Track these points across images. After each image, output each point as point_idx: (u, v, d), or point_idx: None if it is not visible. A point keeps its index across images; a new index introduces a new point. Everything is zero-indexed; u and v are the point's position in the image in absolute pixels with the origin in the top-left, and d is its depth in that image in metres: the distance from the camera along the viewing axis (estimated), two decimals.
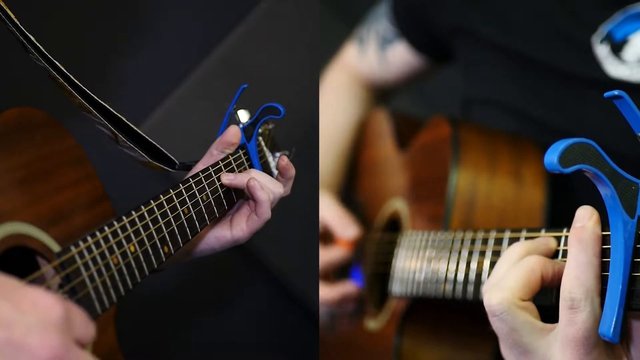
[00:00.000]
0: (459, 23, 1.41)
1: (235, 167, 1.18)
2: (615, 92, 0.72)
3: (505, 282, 0.85)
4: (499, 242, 0.98)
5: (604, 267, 0.79)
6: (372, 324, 1.40)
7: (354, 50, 1.70)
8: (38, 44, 1.02)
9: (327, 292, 1.49)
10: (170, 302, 1.98)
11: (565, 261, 0.82)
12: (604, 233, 0.80)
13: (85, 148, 0.96)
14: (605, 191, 0.76)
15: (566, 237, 0.85)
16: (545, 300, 0.86)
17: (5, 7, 0.99)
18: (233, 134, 1.18)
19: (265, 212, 1.14)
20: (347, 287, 1.49)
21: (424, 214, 1.30)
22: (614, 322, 0.74)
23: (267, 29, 2.01)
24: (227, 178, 1.13)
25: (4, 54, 1.24)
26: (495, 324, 0.86)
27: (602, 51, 1.22)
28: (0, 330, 0.64)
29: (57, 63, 1.04)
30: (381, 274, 1.41)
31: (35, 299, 0.68)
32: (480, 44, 1.38)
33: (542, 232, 0.90)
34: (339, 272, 1.52)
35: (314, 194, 1.63)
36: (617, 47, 1.21)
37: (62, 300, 0.69)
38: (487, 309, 0.86)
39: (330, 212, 1.53)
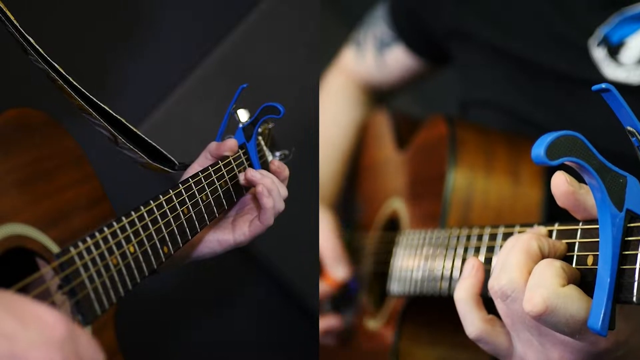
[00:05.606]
0: (455, 25, 1.41)
1: (235, 166, 1.18)
2: (603, 86, 0.72)
3: (507, 263, 0.82)
4: (493, 237, 0.98)
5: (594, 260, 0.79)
6: (372, 323, 1.40)
7: (352, 54, 1.70)
8: (37, 47, 1.02)
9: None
10: (170, 302, 1.98)
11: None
12: (592, 227, 0.79)
13: (84, 148, 0.96)
14: (593, 184, 0.75)
15: (557, 230, 0.85)
16: None
17: (4, 9, 0.99)
18: (228, 148, 1.17)
19: (269, 219, 1.15)
20: (330, 322, 1.51)
21: (422, 213, 1.30)
22: (602, 316, 0.74)
23: (267, 29, 2.01)
24: (251, 174, 1.14)
25: (4, 55, 1.24)
26: (510, 306, 0.82)
27: (599, 54, 1.22)
28: (4, 343, 0.64)
29: (56, 65, 1.04)
30: (380, 274, 1.41)
31: (40, 315, 0.67)
32: (477, 46, 1.38)
33: (535, 227, 0.90)
34: (325, 304, 1.53)
35: (314, 195, 1.63)
36: (613, 50, 1.21)
37: (68, 320, 0.69)
38: (498, 293, 0.82)
39: (326, 245, 1.53)
